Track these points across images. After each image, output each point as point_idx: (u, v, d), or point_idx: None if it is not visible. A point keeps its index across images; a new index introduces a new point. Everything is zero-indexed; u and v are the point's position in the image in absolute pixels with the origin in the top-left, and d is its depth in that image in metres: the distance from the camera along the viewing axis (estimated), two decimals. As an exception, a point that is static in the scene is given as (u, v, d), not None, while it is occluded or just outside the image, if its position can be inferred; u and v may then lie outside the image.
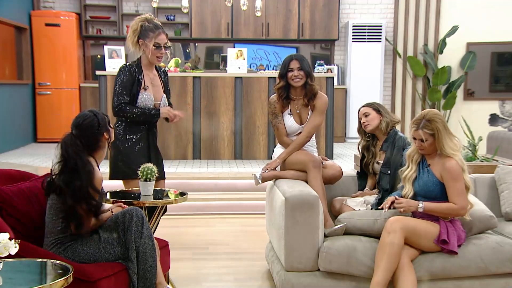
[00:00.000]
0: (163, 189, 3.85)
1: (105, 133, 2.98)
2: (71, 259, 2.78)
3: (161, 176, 3.94)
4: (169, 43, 3.94)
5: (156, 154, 3.98)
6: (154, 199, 3.44)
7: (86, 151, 2.89)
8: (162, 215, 3.67)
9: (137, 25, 3.83)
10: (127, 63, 3.89)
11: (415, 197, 3.27)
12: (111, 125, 3.07)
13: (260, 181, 3.82)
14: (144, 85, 3.83)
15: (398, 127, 3.80)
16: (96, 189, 2.84)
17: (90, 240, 2.85)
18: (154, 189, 3.49)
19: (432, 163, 3.26)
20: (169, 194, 3.69)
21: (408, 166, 3.32)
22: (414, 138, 3.25)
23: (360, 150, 3.86)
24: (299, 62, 3.76)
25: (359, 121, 3.78)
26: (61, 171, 2.84)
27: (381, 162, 3.66)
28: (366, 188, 3.83)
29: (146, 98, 3.82)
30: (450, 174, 3.15)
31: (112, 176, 3.90)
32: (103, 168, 3.27)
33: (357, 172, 3.97)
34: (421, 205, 3.18)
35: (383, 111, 3.72)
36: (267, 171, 3.84)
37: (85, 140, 2.89)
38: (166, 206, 3.74)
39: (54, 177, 2.86)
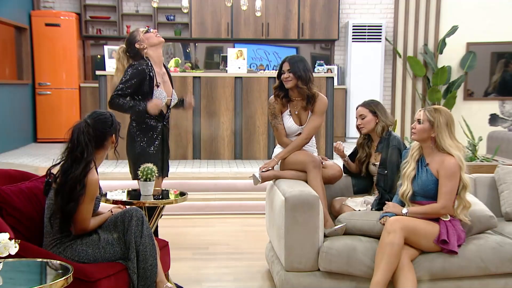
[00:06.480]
0: (162, 189, 3.85)
1: (113, 135, 3.00)
2: (71, 259, 2.78)
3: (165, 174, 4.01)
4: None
5: (168, 151, 4.04)
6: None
7: (94, 144, 2.88)
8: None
9: (121, 53, 4.00)
10: (138, 61, 3.89)
11: (414, 196, 3.28)
12: (120, 135, 3.09)
13: (260, 180, 3.82)
14: (157, 82, 3.86)
15: (396, 129, 3.81)
16: (82, 184, 2.77)
17: (89, 240, 2.85)
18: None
19: (431, 162, 3.26)
20: (169, 194, 3.69)
21: (408, 162, 3.34)
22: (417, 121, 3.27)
23: (356, 146, 3.87)
24: (289, 64, 3.79)
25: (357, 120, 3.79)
26: (65, 159, 2.84)
27: (377, 164, 3.66)
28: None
29: (161, 95, 3.88)
30: (446, 172, 3.17)
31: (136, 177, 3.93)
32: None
33: (346, 171, 3.95)
34: (405, 210, 3.23)
35: (380, 113, 3.70)
36: (264, 170, 3.85)
37: (95, 133, 2.89)
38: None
39: (53, 169, 2.86)
